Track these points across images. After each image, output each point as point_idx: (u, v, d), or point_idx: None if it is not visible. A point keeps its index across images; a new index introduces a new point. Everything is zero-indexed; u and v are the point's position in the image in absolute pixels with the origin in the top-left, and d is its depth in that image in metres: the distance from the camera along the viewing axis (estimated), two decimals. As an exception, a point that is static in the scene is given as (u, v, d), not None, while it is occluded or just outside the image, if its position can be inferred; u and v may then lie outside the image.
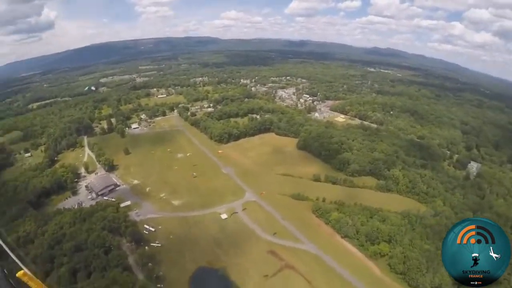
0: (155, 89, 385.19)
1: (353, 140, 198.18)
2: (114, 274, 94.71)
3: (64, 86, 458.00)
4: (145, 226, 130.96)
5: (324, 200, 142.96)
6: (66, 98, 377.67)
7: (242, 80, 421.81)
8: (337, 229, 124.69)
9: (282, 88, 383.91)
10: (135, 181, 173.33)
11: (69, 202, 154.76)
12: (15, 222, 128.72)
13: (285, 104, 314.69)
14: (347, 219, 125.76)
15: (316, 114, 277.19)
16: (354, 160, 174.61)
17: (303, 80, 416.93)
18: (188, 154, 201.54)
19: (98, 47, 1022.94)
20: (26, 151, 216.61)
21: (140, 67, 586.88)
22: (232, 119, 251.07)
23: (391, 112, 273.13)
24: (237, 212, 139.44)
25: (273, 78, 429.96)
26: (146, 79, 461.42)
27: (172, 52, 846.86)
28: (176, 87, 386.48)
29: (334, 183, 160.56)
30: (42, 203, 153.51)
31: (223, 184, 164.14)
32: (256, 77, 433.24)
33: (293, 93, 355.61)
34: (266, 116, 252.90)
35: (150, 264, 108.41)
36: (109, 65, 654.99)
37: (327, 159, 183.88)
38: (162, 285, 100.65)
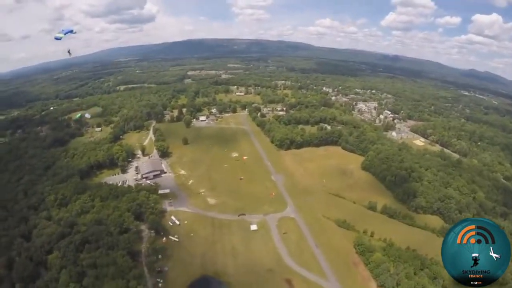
0: (235, 86, 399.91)
1: (426, 169, 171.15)
2: (116, 255, 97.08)
3: (154, 74, 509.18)
4: (172, 217, 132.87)
5: (372, 235, 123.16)
6: (152, 85, 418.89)
7: (324, 88, 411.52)
8: (375, 274, 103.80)
9: (364, 101, 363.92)
10: (182, 172, 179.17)
11: (115, 179, 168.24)
12: (60, 185, 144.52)
13: (362, 117, 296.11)
14: (389, 265, 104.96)
15: (394, 133, 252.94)
16: (422, 193, 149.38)
17: (389, 96, 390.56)
18: (235, 155, 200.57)
19: (193, 43, 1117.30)
20: (98, 126, 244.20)
21: (228, 65, 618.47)
22: (300, 126, 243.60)
23: (479, 143, 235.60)
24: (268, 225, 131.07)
25: (357, 90, 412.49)
26: (231, 76, 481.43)
27: (263, 54, 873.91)
28: (257, 87, 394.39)
29: (391, 216, 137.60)
30: (92, 173, 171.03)
31: (266, 192, 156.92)
32: (340, 87, 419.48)
33: (374, 108, 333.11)
34: (337, 127, 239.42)
35: (160, 256, 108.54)
36: (200, 60, 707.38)
37: (391, 186, 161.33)
38: (162, 281, 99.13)
